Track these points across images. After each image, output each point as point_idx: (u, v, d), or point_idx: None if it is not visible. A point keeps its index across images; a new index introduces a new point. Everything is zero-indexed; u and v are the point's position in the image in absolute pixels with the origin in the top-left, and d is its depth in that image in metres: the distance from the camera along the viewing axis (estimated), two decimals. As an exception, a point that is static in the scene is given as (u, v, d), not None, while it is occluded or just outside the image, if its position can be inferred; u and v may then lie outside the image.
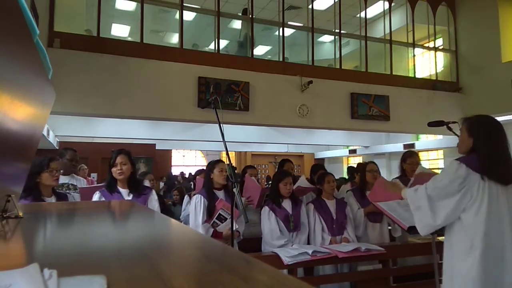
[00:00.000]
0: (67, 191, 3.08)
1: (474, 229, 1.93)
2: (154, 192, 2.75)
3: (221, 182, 3.04)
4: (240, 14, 7.09)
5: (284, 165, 3.90)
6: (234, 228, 2.94)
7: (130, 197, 2.58)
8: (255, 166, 5.02)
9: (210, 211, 2.97)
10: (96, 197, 2.61)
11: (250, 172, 3.98)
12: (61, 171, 2.86)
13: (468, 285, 1.91)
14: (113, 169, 2.59)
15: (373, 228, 3.43)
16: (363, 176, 3.56)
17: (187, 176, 12.10)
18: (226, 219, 2.95)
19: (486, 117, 2.13)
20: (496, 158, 1.98)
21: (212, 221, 2.97)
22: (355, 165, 4.87)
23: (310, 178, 4.04)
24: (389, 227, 3.54)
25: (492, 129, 2.05)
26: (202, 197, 3.01)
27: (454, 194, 1.97)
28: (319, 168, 4.10)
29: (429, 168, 4.20)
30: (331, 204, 3.33)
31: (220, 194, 3.06)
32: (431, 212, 2.02)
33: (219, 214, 2.96)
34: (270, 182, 4.21)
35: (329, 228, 3.23)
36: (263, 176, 14.89)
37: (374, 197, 3.26)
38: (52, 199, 2.57)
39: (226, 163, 2.81)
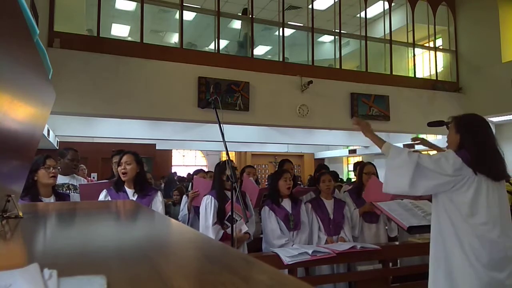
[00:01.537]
0: (67, 191, 3.07)
1: (459, 222, 1.94)
2: (159, 193, 2.74)
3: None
4: (240, 14, 7.09)
5: (284, 166, 3.90)
6: (245, 230, 2.95)
7: (135, 197, 2.59)
8: (255, 166, 5.01)
9: (220, 213, 2.93)
10: (102, 195, 2.63)
11: (248, 171, 3.98)
12: (59, 168, 2.85)
13: (457, 279, 1.92)
14: (118, 168, 2.63)
15: (369, 228, 3.43)
16: (360, 176, 3.56)
17: (181, 176, 12.14)
18: (236, 220, 2.93)
19: (472, 114, 2.17)
20: (484, 153, 1.99)
21: (223, 223, 2.94)
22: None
23: (314, 177, 4.04)
24: (386, 227, 3.53)
25: (478, 126, 2.08)
26: (213, 198, 2.96)
27: (443, 176, 1.96)
28: (321, 168, 4.10)
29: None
30: (329, 204, 3.33)
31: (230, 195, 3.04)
32: (411, 180, 1.99)
33: (229, 215, 2.94)
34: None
35: (326, 228, 3.23)
36: (263, 176, 14.90)
37: (369, 197, 3.27)
38: (51, 199, 2.54)
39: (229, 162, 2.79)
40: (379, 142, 2.29)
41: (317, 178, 3.49)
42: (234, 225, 2.57)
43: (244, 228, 2.97)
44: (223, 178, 2.99)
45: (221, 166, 3.07)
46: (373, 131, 2.38)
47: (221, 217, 2.93)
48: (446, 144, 2.18)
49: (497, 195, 1.98)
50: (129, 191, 2.63)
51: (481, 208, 1.93)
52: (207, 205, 2.95)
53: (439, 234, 2.03)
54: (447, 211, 2.00)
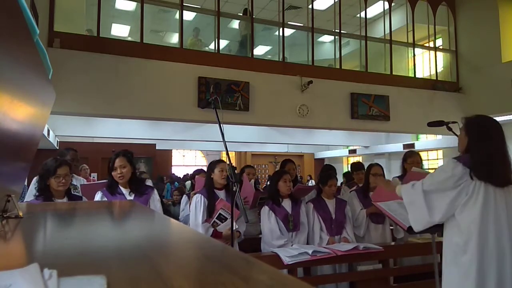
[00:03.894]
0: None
1: (468, 228, 1.92)
2: (155, 192, 2.74)
3: (221, 182, 3.04)
4: (240, 14, 7.09)
5: (286, 166, 3.88)
6: (234, 228, 2.95)
7: (132, 197, 2.58)
8: (255, 166, 5.02)
9: (210, 211, 2.97)
10: (98, 197, 2.61)
11: (248, 172, 3.98)
12: (72, 174, 2.87)
13: (467, 283, 1.91)
14: (113, 173, 2.58)
15: (375, 229, 3.43)
16: (367, 177, 3.55)
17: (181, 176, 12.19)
18: (226, 219, 2.96)
19: (483, 117, 2.12)
20: (487, 159, 1.95)
21: (212, 221, 2.97)
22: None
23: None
24: (391, 227, 3.53)
25: (487, 130, 2.03)
26: (202, 196, 3.02)
27: (450, 190, 1.97)
28: (328, 168, 4.06)
29: (427, 169, 4.22)
30: (330, 204, 3.33)
31: (221, 194, 3.06)
32: (427, 208, 2.02)
33: (219, 214, 2.96)
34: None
35: (328, 227, 3.23)
36: (263, 176, 14.89)
37: (377, 198, 3.26)
38: (64, 200, 2.56)
39: (226, 163, 2.81)
40: (391, 188, 2.41)
41: (322, 178, 3.47)
42: (233, 223, 2.57)
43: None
44: (211, 176, 3.07)
45: (212, 165, 3.13)
46: (386, 183, 2.63)
47: (211, 214, 2.97)
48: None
49: (504, 200, 1.94)
50: (125, 191, 2.61)
51: (490, 220, 1.90)
52: (197, 203, 3.01)
53: (460, 249, 1.99)
54: (457, 232, 1.98)
